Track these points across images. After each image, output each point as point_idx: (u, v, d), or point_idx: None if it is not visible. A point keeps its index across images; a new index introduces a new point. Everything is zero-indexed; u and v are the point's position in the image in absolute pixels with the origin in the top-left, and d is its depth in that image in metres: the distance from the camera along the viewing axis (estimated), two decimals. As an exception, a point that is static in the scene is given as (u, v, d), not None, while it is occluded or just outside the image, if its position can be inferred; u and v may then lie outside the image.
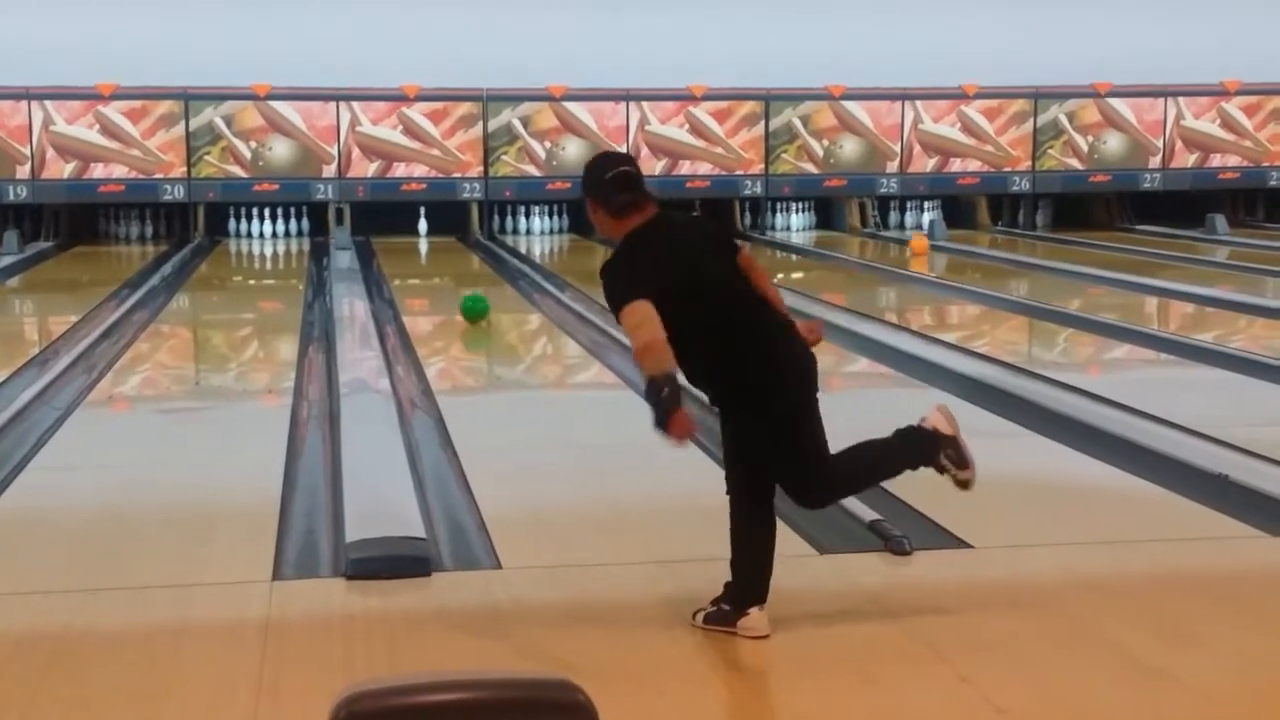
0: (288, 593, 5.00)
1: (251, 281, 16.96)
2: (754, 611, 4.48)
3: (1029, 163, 19.66)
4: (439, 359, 10.35)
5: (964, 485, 4.72)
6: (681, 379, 4.36)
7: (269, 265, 17.75)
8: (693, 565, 5.24)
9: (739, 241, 4.76)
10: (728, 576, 4.63)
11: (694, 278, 4.33)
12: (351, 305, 12.21)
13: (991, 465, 6.92)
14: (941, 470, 4.69)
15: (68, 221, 18.39)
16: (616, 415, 8.18)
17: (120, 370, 9.71)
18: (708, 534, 5.74)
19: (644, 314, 4.17)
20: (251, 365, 10.52)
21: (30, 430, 7.57)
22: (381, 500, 5.90)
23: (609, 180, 4.41)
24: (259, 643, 4.47)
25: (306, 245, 18.17)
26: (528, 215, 19.26)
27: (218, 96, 17.43)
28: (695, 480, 6.59)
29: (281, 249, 18.36)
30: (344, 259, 16.05)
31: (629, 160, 4.59)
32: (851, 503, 5.87)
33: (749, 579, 4.52)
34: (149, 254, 17.41)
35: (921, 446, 4.67)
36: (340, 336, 10.51)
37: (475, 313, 11.42)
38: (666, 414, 4.17)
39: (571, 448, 7.40)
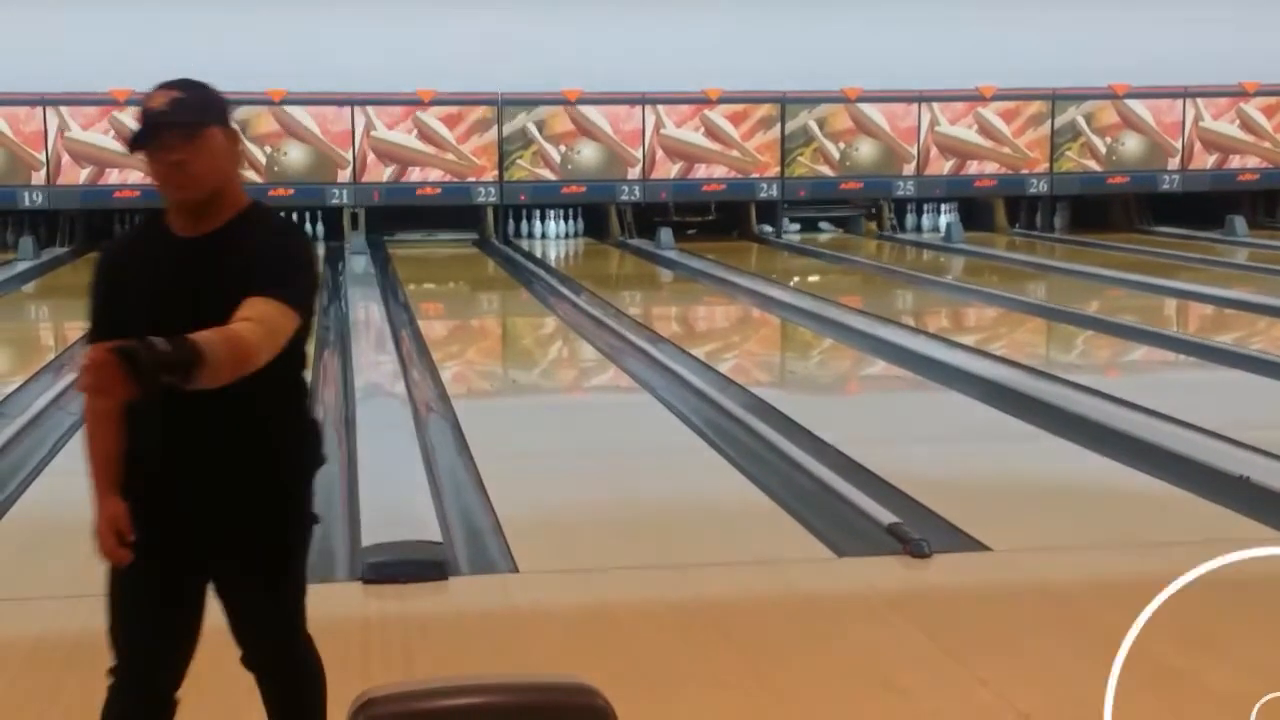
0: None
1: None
2: None
3: (1046, 164, 19.60)
4: (454, 363, 10.33)
5: None
6: None
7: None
8: (709, 569, 5.21)
9: None
10: (741, 579, 4.57)
11: None
12: (367, 310, 12.20)
13: (1011, 468, 6.92)
14: None
15: (83, 227, 18.40)
16: (632, 418, 8.16)
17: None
18: (723, 538, 5.72)
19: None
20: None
21: (46, 435, 7.56)
22: (397, 504, 5.88)
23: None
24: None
25: (322, 250, 18.14)
26: (543, 219, 19.24)
27: (232, 102, 17.35)
28: (711, 483, 6.58)
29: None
30: (359, 263, 16.06)
31: None
32: (870, 505, 5.85)
33: None
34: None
35: None
36: (356, 341, 10.50)
37: None
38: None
39: (587, 451, 7.37)
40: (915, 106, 19.23)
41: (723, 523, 5.94)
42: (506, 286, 14.94)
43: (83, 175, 17.72)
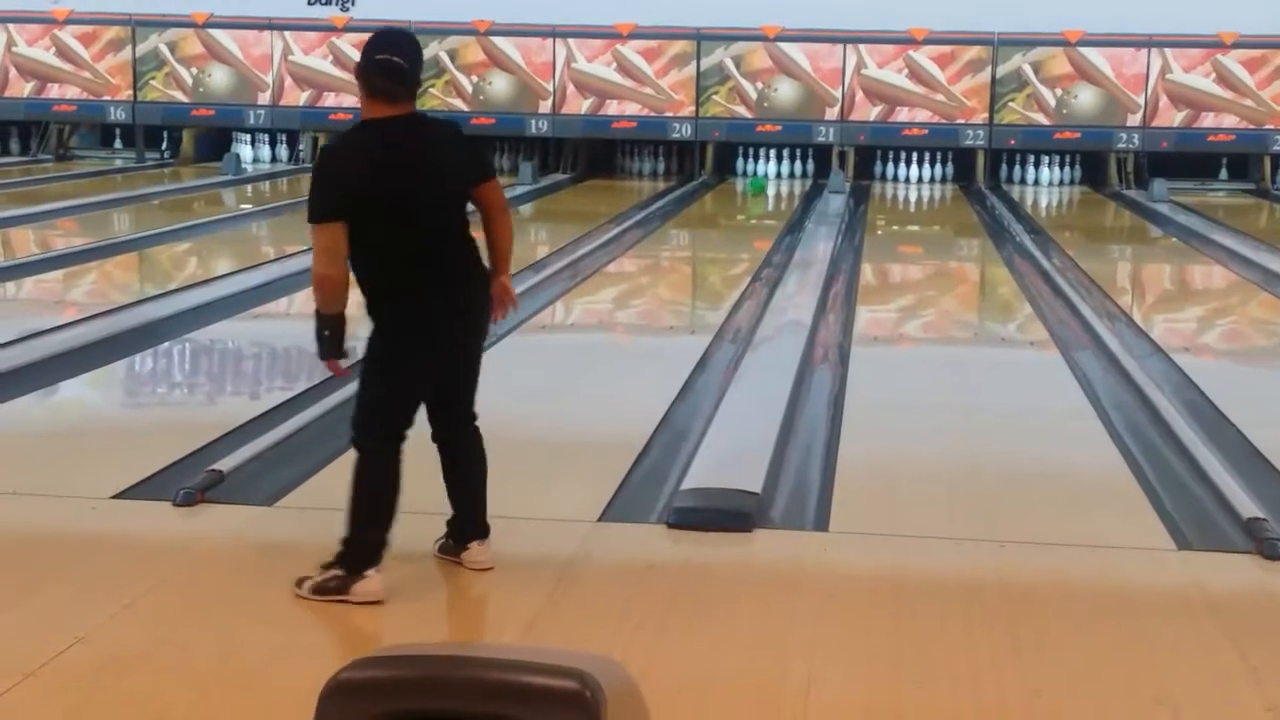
0: (603, 535, 4.96)
1: (747, 220, 17.06)
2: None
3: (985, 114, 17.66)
4: (879, 308, 10.05)
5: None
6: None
7: (770, 205, 17.76)
8: (1021, 547, 4.83)
9: (485, 172, 4.57)
10: (1050, 562, 4.23)
11: (400, 192, 4.24)
12: (813, 249, 12.07)
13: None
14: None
15: (586, 155, 19.09)
16: (1028, 376, 7.78)
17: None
18: (1057, 514, 5.27)
19: (331, 240, 4.18)
20: (675, 303, 10.68)
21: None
22: (731, 451, 5.77)
23: (376, 61, 4.28)
24: (551, 582, 4.47)
25: (807, 187, 18.10)
26: (1036, 165, 18.47)
27: (440, 31, 17.91)
28: (1076, 454, 6.13)
29: (784, 190, 18.37)
30: (835, 203, 15.89)
31: (407, 51, 4.36)
32: (1237, 496, 5.29)
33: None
34: (656, 189, 17.85)
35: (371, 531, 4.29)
36: (787, 279, 10.43)
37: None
38: (323, 354, 4.35)
39: (958, 408, 7.01)
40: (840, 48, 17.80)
41: (1066, 497, 5.54)
42: (983, 235, 14.45)
43: (584, 106, 18.38)
